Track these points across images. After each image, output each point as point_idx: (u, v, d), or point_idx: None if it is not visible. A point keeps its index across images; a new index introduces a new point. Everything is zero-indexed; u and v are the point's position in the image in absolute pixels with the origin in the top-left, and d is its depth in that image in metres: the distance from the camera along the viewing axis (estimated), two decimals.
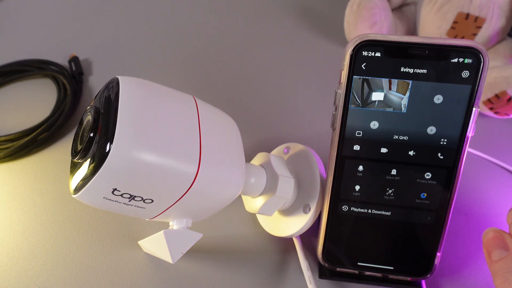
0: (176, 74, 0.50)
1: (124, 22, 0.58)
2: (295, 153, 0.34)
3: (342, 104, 0.27)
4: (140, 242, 0.33)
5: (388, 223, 0.29)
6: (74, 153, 0.25)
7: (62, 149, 0.41)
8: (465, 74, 0.25)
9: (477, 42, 0.25)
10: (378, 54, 0.26)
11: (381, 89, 0.26)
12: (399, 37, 0.26)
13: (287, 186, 0.30)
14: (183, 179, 0.24)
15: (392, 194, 0.29)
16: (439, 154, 0.27)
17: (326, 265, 0.31)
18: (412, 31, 0.52)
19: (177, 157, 0.24)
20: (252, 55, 0.52)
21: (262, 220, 0.35)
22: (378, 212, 0.29)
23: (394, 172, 0.28)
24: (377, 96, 0.27)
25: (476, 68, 0.25)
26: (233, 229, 0.35)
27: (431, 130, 0.27)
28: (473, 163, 0.40)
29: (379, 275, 0.31)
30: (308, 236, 0.34)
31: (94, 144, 0.23)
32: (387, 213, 0.29)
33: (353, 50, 0.26)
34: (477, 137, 0.42)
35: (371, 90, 0.26)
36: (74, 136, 0.26)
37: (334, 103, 0.28)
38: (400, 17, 0.51)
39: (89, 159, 0.23)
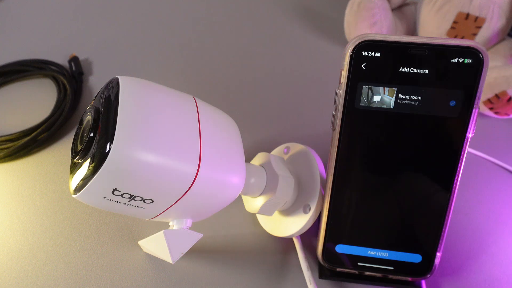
0: (176, 74, 0.50)
1: (124, 22, 0.58)
2: (295, 153, 0.34)
3: (342, 104, 0.27)
4: (140, 242, 0.33)
5: (388, 223, 0.29)
6: (74, 153, 0.25)
7: (62, 149, 0.41)
8: (465, 74, 0.25)
9: (477, 42, 0.25)
10: (378, 54, 0.26)
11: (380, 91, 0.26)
12: (399, 37, 0.26)
13: (287, 186, 0.30)
14: (183, 180, 0.24)
15: (392, 194, 0.29)
16: (439, 154, 0.27)
17: (326, 265, 0.31)
18: (412, 31, 0.52)
19: (177, 157, 0.24)
20: (252, 55, 0.52)
21: (262, 220, 0.35)
22: (378, 212, 0.29)
23: (394, 172, 0.28)
24: (378, 96, 0.27)
25: (476, 68, 0.25)
26: (233, 229, 0.35)
27: (432, 129, 0.27)
28: (473, 163, 0.40)
29: (379, 275, 0.31)
30: (308, 236, 0.34)
31: (94, 144, 0.23)
32: (387, 213, 0.29)
33: (353, 50, 0.26)
34: (477, 137, 0.42)
35: (372, 90, 0.26)
36: (74, 136, 0.26)
37: (334, 103, 0.28)
38: (400, 17, 0.51)
39: (89, 159, 0.23)
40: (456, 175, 0.27)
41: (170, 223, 0.28)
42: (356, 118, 0.27)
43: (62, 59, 0.51)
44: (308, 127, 0.43)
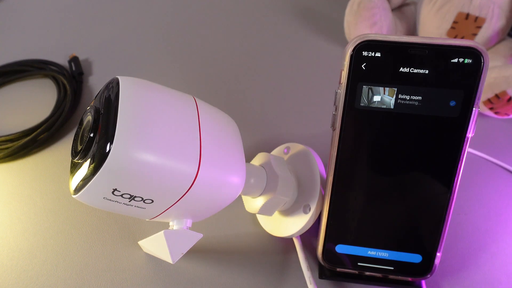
0: (176, 74, 0.50)
1: (124, 22, 0.58)
2: (295, 153, 0.34)
3: (342, 104, 0.27)
4: (140, 242, 0.33)
5: (388, 223, 0.29)
6: (74, 153, 0.25)
7: (62, 149, 0.41)
8: (465, 74, 0.25)
9: (477, 42, 0.25)
10: (378, 54, 0.26)
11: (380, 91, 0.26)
12: (399, 37, 0.26)
13: (287, 186, 0.30)
14: (183, 180, 0.24)
15: (392, 194, 0.29)
16: (439, 154, 0.27)
17: (326, 265, 0.31)
18: (412, 31, 0.52)
19: (177, 157, 0.24)
20: (252, 55, 0.52)
21: (262, 220, 0.35)
22: (379, 212, 0.29)
23: (394, 172, 0.28)
24: (378, 96, 0.27)
25: (476, 68, 0.25)
26: (233, 229, 0.35)
27: (432, 129, 0.27)
28: (473, 163, 0.40)
29: (379, 275, 0.31)
30: (308, 236, 0.34)
31: (94, 145, 0.23)
32: (387, 213, 0.29)
33: (353, 50, 0.26)
34: (477, 137, 0.42)
35: (372, 90, 0.26)
36: (74, 136, 0.26)
37: (334, 103, 0.28)
38: (400, 17, 0.51)
39: (89, 160, 0.23)
40: (456, 175, 0.27)
41: (170, 223, 0.28)
42: (356, 118, 0.27)
43: (62, 59, 0.51)
44: (308, 127, 0.43)
